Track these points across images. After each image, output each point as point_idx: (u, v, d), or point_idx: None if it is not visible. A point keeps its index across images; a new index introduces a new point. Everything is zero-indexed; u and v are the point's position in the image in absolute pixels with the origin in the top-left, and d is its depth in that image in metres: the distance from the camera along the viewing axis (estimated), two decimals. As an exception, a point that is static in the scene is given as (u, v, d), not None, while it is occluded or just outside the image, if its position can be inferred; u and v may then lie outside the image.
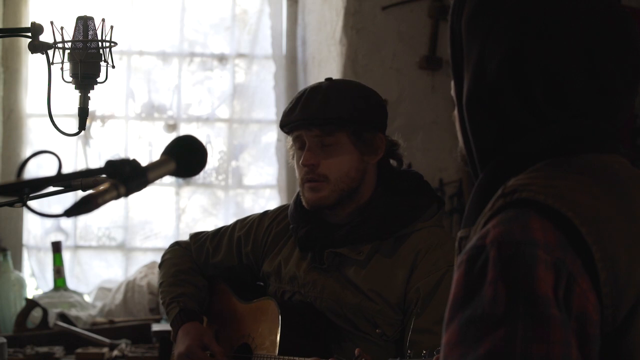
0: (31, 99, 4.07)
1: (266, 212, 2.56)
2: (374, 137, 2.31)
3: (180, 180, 4.09)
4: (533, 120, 1.23)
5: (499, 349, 1.06)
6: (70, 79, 2.04)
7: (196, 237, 2.61)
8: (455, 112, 1.33)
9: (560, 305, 1.08)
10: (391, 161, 2.39)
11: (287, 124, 2.32)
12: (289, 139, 2.38)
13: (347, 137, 2.28)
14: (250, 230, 2.52)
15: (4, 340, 2.45)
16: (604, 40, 1.24)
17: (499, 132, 1.25)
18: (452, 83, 1.33)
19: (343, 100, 2.28)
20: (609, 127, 1.26)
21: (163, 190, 4.20)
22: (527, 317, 1.06)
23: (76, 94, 2.06)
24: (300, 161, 2.30)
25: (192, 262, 2.57)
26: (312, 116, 2.27)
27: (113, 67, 2.06)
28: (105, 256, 4.16)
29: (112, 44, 2.05)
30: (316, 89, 2.31)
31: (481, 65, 1.25)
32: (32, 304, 3.66)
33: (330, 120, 2.26)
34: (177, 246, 2.62)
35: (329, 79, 2.36)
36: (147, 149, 4.17)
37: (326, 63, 3.97)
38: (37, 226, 4.07)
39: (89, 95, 2.05)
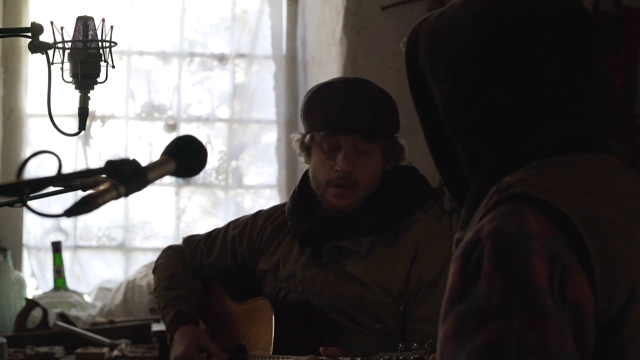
0: (31, 99, 4.06)
1: (260, 212, 2.57)
2: (397, 144, 2.36)
3: (180, 180, 4.09)
4: (527, 121, 1.24)
5: (495, 340, 1.07)
6: (70, 79, 2.04)
7: (189, 240, 2.61)
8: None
9: (555, 297, 1.08)
10: None
11: (334, 129, 2.30)
12: (297, 133, 2.38)
13: (379, 146, 2.32)
14: (245, 230, 2.52)
15: (4, 340, 2.45)
16: (587, 39, 1.25)
17: (490, 134, 1.26)
18: (418, 118, 1.35)
19: (385, 112, 2.34)
20: (602, 127, 1.27)
21: (163, 190, 4.20)
22: (522, 308, 1.07)
23: (76, 94, 2.06)
24: (337, 166, 2.30)
25: (186, 265, 2.57)
26: (363, 127, 2.28)
27: (113, 67, 2.06)
28: (105, 256, 4.16)
29: (112, 44, 2.05)
30: (361, 98, 2.31)
31: (457, 78, 1.26)
32: (32, 304, 3.66)
33: (376, 130, 2.30)
34: (170, 250, 2.62)
35: (356, 79, 2.40)
36: (147, 149, 4.17)
37: (326, 63, 3.97)
38: (37, 226, 4.07)
39: (89, 95, 2.05)
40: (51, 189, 1.85)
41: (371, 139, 2.30)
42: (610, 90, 1.28)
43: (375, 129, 2.31)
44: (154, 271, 2.60)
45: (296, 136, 2.41)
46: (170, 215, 4.19)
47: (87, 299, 4.02)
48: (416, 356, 1.89)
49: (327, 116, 2.31)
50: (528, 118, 1.24)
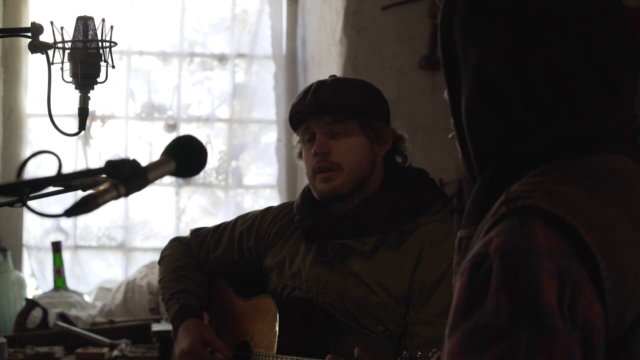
0: (31, 99, 4.07)
1: (269, 208, 2.57)
2: (381, 127, 2.34)
3: (180, 180, 4.10)
4: (538, 119, 1.21)
5: None
6: (70, 79, 2.04)
7: (197, 232, 2.61)
8: (452, 118, 1.31)
9: (565, 316, 1.06)
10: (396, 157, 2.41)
11: (298, 112, 2.33)
12: (295, 138, 2.39)
13: (356, 126, 2.30)
14: (253, 225, 2.52)
15: (4, 340, 2.45)
16: (606, 35, 1.22)
17: (503, 133, 1.23)
18: (446, 90, 1.32)
19: (351, 90, 2.32)
20: (613, 126, 1.24)
21: (163, 190, 4.20)
22: (530, 329, 1.05)
23: (76, 94, 2.06)
24: (312, 150, 2.30)
25: (192, 257, 2.56)
26: (323, 103, 2.29)
27: (113, 67, 2.06)
28: (105, 256, 4.16)
29: (112, 44, 2.05)
30: (323, 82, 2.35)
31: (481, 67, 1.23)
32: (32, 304, 3.66)
33: (341, 107, 2.29)
34: (177, 242, 2.62)
35: (333, 76, 2.40)
36: (147, 149, 4.17)
37: (326, 63, 3.97)
38: (37, 226, 4.07)
39: (89, 95, 2.05)
40: (51, 189, 1.85)
41: (339, 117, 2.29)
42: (626, 86, 1.24)
43: (340, 106, 2.29)
44: (159, 262, 2.59)
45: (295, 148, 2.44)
46: (170, 215, 4.20)
47: (87, 299, 4.02)
48: None
49: (294, 107, 2.35)
50: (538, 116, 1.21)
